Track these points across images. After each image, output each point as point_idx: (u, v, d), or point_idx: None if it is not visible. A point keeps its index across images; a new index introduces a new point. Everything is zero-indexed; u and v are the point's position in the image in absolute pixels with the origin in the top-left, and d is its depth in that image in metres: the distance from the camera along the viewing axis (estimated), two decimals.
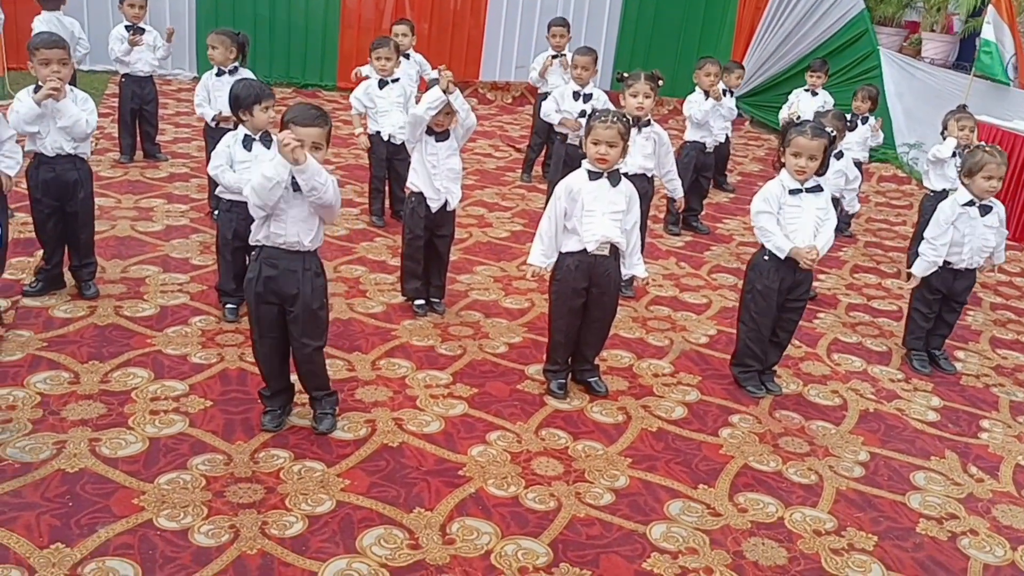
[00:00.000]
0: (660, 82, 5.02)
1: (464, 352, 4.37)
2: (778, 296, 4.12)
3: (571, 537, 3.06)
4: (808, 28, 10.48)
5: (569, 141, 6.04)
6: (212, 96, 5.58)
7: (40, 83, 4.15)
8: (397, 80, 5.86)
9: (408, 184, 4.64)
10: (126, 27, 6.66)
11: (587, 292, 3.87)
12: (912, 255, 6.07)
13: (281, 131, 3.18)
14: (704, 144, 6.64)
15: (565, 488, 3.33)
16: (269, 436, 3.45)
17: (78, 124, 4.24)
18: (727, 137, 7.18)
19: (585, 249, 3.80)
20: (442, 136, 4.52)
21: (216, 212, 4.79)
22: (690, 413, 4.03)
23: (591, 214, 3.78)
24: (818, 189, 4.06)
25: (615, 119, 3.77)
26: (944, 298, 4.73)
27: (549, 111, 6.23)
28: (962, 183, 4.61)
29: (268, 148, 4.14)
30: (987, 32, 8.31)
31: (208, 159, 4.60)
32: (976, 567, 3.17)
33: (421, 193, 4.55)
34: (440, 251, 4.71)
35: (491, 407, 3.88)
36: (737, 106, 7.82)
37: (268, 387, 3.53)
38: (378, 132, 5.88)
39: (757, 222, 4.08)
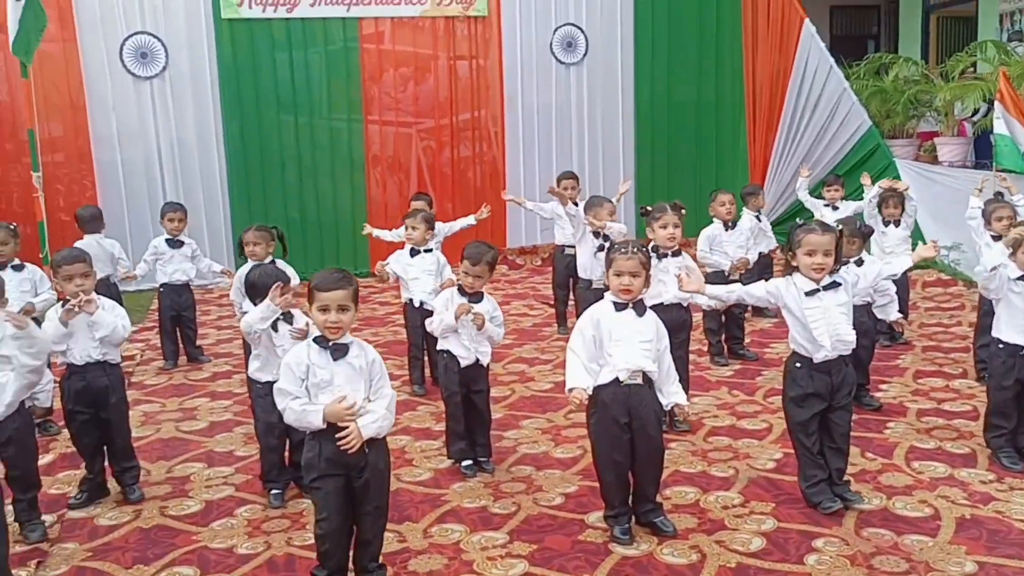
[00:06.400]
0: (683, 211, 5.06)
1: (519, 508, 4.14)
2: (821, 400, 3.93)
3: None
4: (820, 153, 10.63)
5: (595, 286, 6.04)
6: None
7: (68, 298, 4.25)
8: (430, 250, 5.98)
9: (439, 346, 4.65)
10: (166, 240, 6.97)
11: (629, 427, 3.70)
12: (978, 351, 5.79)
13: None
14: (724, 271, 6.46)
15: None
16: None
17: (116, 331, 4.33)
18: (760, 254, 7.11)
19: (617, 379, 3.67)
20: (474, 298, 4.55)
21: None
22: (769, 543, 3.73)
23: (618, 344, 3.68)
24: (835, 285, 3.93)
25: (635, 249, 3.76)
26: (1022, 391, 4.44)
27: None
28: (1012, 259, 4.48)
29: (290, 323, 4.26)
30: (999, 127, 8.34)
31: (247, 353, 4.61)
32: None
33: (450, 351, 4.55)
34: (479, 407, 4.61)
35: (553, 562, 3.63)
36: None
37: (325, 568, 3.36)
38: (411, 300, 5.93)
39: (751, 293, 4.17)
